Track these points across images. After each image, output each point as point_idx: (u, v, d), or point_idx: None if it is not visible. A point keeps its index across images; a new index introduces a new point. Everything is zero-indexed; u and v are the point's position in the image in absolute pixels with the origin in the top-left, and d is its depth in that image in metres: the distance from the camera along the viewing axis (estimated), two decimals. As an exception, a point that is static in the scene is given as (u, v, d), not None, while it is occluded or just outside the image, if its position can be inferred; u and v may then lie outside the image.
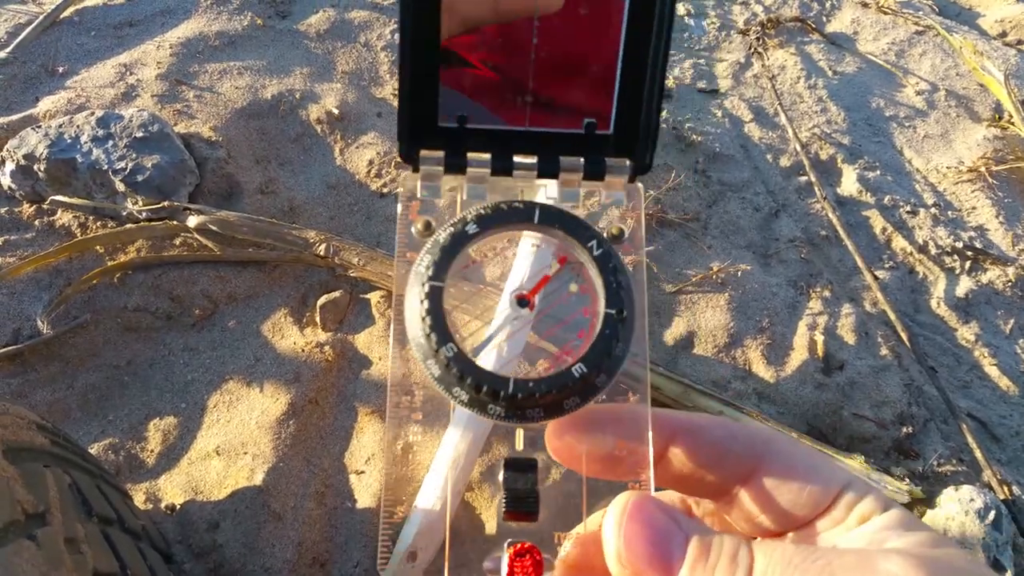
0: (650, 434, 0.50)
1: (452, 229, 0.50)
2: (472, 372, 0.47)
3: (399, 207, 0.52)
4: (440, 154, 0.51)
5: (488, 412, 0.48)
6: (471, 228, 0.50)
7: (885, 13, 3.04)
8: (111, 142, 1.95)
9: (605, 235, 0.51)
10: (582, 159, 0.52)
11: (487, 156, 0.52)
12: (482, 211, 0.51)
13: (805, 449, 0.52)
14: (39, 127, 1.99)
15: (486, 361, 0.50)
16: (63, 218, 1.93)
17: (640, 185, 0.53)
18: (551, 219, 0.51)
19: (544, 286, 0.53)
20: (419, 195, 0.53)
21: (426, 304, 0.48)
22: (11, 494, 0.99)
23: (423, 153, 0.51)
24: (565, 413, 0.48)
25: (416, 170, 0.52)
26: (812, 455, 0.51)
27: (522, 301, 0.53)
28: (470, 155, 0.51)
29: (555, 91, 0.52)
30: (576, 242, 0.50)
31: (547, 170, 0.52)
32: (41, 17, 2.43)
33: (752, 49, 2.77)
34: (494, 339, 0.54)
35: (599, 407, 0.50)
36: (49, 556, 0.98)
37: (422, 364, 0.49)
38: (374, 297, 1.86)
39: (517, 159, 0.52)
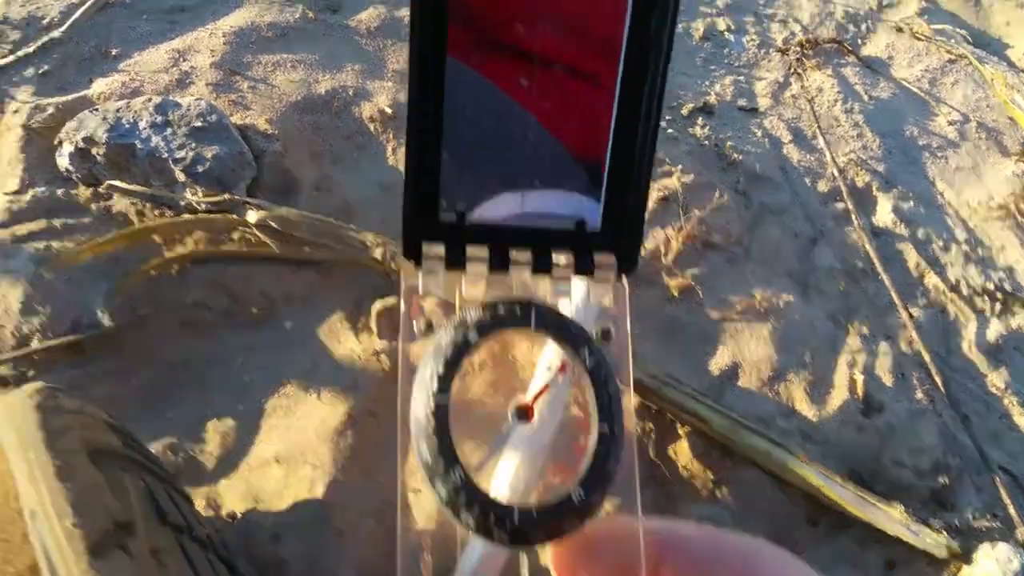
0: (643, 551, 0.49)
1: (453, 336, 0.48)
2: (479, 500, 0.46)
3: (401, 304, 0.50)
4: (441, 248, 0.51)
5: (494, 538, 0.47)
6: (472, 336, 0.48)
7: (918, 39, 3.02)
8: (169, 130, 1.90)
9: (593, 333, 0.50)
10: (572, 255, 0.52)
11: (485, 251, 0.51)
12: (481, 316, 0.49)
13: (796, 567, 0.49)
14: (96, 110, 1.94)
15: (498, 480, 0.50)
16: (119, 204, 1.89)
17: (626, 282, 0.53)
18: (546, 323, 0.50)
19: (544, 395, 0.52)
20: (420, 290, 0.51)
21: (432, 423, 0.46)
22: (102, 501, 0.97)
23: (424, 247, 0.50)
24: (564, 535, 0.48)
25: (419, 264, 0.51)
26: (800, 572, 0.49)
27: (520, 412, 0.51)
28: (469, 249, 0.51)
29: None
30: (570, 348, 0.49)
31: (541, 266, 0.52)
32: (94, -3, 2.37)
33: (791, 69, 2.74)
34: (500, 455, 0.54)
35: (595, 526, 0.50)
36: (141, 569, 0.96)
37: (428, 483, 0.47)
38: (428, 304, 1.83)
39: (513, 253, 0.51)
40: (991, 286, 2.16)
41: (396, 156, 2.16)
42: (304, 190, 1.99)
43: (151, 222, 1.86)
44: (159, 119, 1.92)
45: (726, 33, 2.86)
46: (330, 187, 2.03)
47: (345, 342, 1.76)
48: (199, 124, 1.92)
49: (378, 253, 1.85)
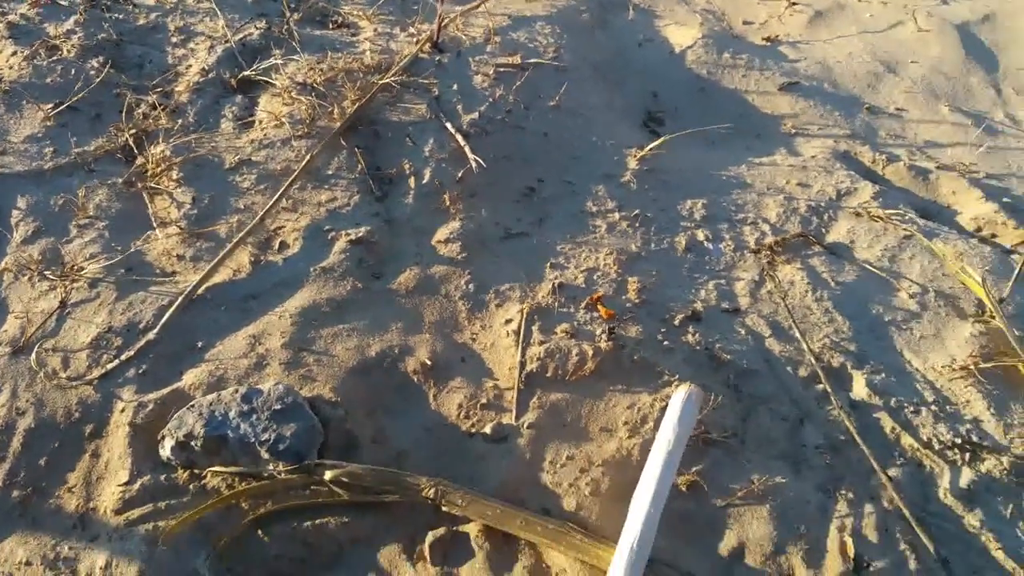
0: None
1: None
2: None
3: None
4: None
5: None
6: None
7: (875, 221, 3.31)
8: (255, 416, 2.24)
9: None
10: None
11: None
12: None
13: None
14: (193, 407, 2.28)
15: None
16: (213, 481, 2.22)
17: None
18: None
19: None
20: None
21: None
22: None
23: None
24: None
25: None
26: None
27: None
28: None
29: None
30: None
31: None
32: (180, 298, 2.74)
33: (763, 270, 3.02)
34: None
35: None
36: None
37: None
38: (472, 530, 2.11)
39: None
40: (959, 439, 2.36)
41: (437, 401, 2.46)
42: (364, 445, 2.30)
43: (239, 489, 2.17)
44: (245, 407, 2.26)
45: (705, 242, 3.18)
46: (384, 439, 2.33)
47: (403, 573, 2.03)
48: (279, 407, 2.25)
49: (431, 492, 2.13)
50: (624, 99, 4.31)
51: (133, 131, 3.41)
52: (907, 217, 3.35)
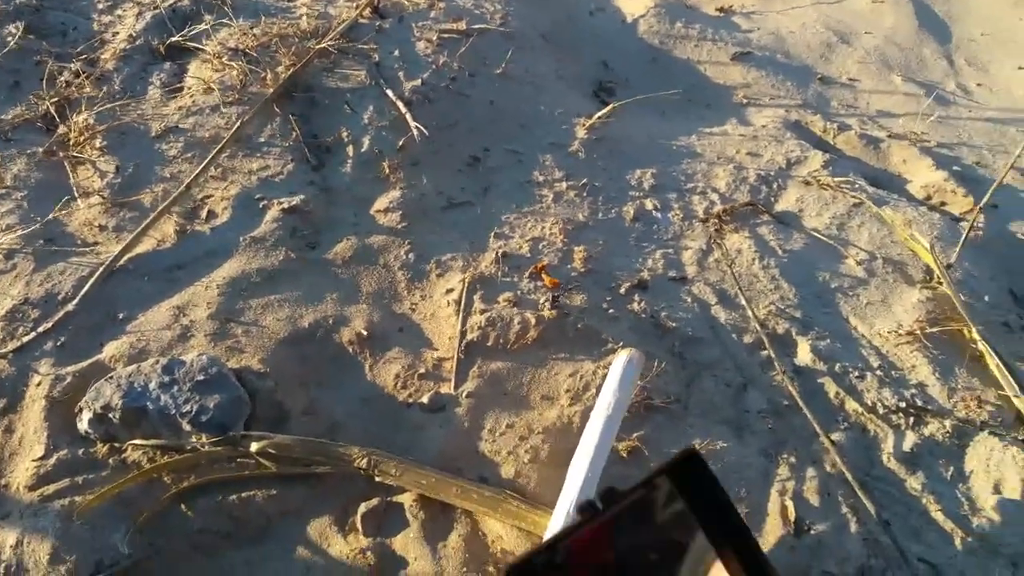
0: None
1: None
2: None
3: None
4: None
5: None
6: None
7: (825, 189, 3.34)
8: (176, 387, 2.19)
9: None
10: None
11: None
12: None
13: None
14: (111, 378, 2.23)
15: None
16: (133, 455, 2.17)
17: None
18: None
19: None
20: None
21: None
22: None
23: None
24: None
25: None
26: None
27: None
28: None
29: None
30: None
31: None
32: (101, 268, 2.68)
33: (711, 238, 3.04)
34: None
35: None
36: None
37: None
38: (407, 500, 2.08)
39: None
40: (904, 403, 2.38)
41: (373, 372, 2.44)
42: (295, 416, 2.27)
43: (161, 462, 2.12)
44: (166, 379, 2.21)
45: (653, 212, 3.18)
46: (317, 410, 2.30)
47: (335, 545, 2.00)
48: (201, 378, 2.21)
49: (363, 463, 2.11)
50: (574, 68, 4.30)
51: (55, 99, 3.35)
52: (857, 185, 3.38)
